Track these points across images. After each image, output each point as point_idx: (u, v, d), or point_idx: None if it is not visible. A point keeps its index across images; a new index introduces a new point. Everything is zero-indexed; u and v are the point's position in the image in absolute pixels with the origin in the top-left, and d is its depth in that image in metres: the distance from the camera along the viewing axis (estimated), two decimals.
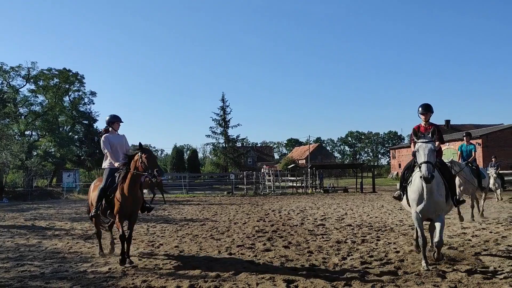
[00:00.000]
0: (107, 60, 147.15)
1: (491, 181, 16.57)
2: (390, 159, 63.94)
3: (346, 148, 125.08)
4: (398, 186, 7.46)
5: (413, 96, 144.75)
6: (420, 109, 6.95)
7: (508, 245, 7.69)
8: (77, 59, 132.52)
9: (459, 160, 11.82)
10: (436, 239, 6.02)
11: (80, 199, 25.27)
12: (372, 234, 9.58)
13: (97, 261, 7.17)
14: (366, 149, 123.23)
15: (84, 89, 48.74)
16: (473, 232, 9.35)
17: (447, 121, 64.91)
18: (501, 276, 5.59)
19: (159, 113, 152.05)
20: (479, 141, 37.21)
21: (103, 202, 6.95)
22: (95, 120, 48.79)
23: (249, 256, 7.40)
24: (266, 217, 13.59)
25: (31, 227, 12.10)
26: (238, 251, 7.86)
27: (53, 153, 45.15)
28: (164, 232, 10.52)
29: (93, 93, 49.11)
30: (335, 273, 6.08)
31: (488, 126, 52.08)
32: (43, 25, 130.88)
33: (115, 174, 6.99)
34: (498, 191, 17.44)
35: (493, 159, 18.04)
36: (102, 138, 7.40)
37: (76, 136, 48.59)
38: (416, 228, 6.67)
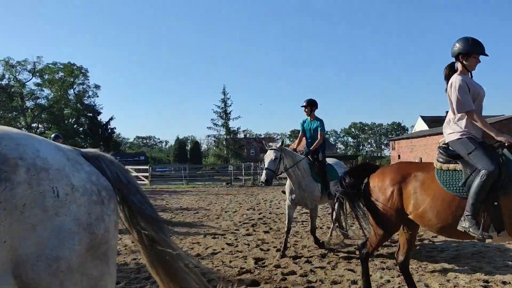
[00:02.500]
0: (111, 53, 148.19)
1: None
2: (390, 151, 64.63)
3: (350, 139, 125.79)
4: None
5: (417, 87, 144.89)
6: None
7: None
8: (82, 52, 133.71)
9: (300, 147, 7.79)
10: None
11: None
12: (348, 220, 10.38)
13: None
14: (369, 140, 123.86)
15: (88, 82, 49.88)
16: None
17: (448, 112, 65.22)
18: (443, 255, 6.43)
19: (163, 105, 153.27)
20: None
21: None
22: (99, 113, 49.91)
23: (230, 239, 8.26)
24: (257, 206, 14.45)
25: None
26: (221, 235, 8.73)
27: None
28: None
29: (97, 86, 50.22)
30: (301, 253, 6.94)
31: (490, 117, 52.49)
32: (49, 20, 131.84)
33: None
34: None
35: None
36: (457, 81, 3.86)
37: (81, 129, 49.75)
38: None
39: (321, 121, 7.28)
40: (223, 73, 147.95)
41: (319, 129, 7.21)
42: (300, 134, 7.71)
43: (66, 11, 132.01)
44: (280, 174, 6.84)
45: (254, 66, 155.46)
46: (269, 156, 6.65)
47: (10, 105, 35.06)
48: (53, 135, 10.74)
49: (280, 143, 6.91)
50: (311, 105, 7.35)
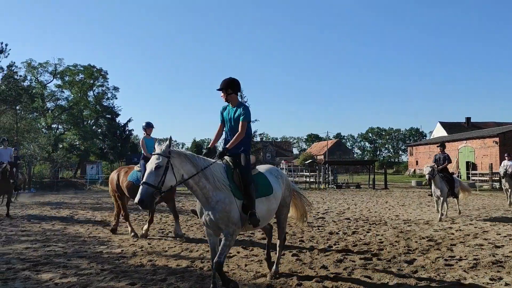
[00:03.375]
0: (129, 56, 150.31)
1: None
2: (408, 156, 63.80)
3: (367, 144, 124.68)
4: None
5: (436, 92, 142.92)
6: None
7: (484, 239, 8.35)
8: (101, 55, 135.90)
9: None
10: None
11: (102, 190, 26.67)
12: (365, 226, 10.31)
13: (112, 244, 8.19)
14: (386, 146, 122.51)
15: (108, 84, 50.41)
16: (459, 227, 9.99)
17: (468, 119, 64.16)
18: (461, 263, 6.31)
19: (180, 107, 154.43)
20: (496, 139, 36.99)
21: None
22: (118, 115, 50.40)
23: (245, 243, 8.27)
24: None
25: (56, 214, 13.28)
26: (237, 239, 8.72)
27: (77, 146, 47.09)
28: None
29: (116, 88, 50.73)
30: (317, 258, 6.89)
31: (511, 124, 51.43)
32: (70, 23, 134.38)
33: None
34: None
35: (506, 157, 15.53)
36: None
37: (99, 130, 50.32)
38: None
39: (245, 107, 5.16)
40: (240, 76, 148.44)
41: (241, 118, 5.08)
42: (219, 127, 5.42)
43: (86, 14, 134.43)
44: (169, 189, 4.49)
45: (271, 70, 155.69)
46: (150, 164, 4.41)
47: (31, 106, 35.78)
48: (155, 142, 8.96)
49: (167, 142, 4.51)
50: (226, 87, 5.19)
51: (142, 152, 9.24)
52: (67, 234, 9.41)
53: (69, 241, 8.48)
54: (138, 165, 9.12)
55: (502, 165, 15.56)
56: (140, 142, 9.47)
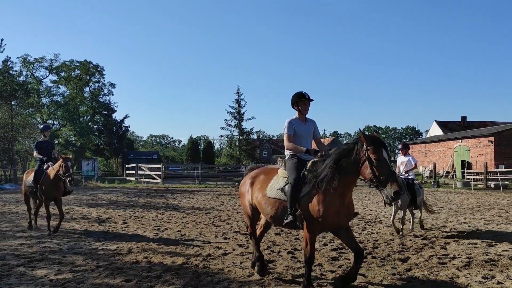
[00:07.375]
0: (126, 52, 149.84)
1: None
2: None
3: None
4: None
5: (432, 91, 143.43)
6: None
7: (477, 237, 8.41)
8: (97, 51, 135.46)
9: None
10: None
11: (98, 186, 26.64)
12: (360, 225, 10.35)
13: (107, 241, 8.19)
14: None
15: (104, 80, 50.32)
16: (453, 225, 10.06)
17: (463, 118, 64.40)
18: (455, 262, 6.36)
19: (177, 105, 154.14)
20: (491, 138, 37.14)
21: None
22: (114, 111, 50.33)
23: (241, 240, 8.29)
24: None
25: (51, 210, 13.22)
26: (232, 236, 8.76)
27: (73, 142, 46.97)
28: (171, 219, 11.50)
29: (112, 85, 50.69)
30: None
31: (505, 124, 51.64)
32: (65, 18, 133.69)
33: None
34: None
35: (400, 152, 10.38)
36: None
37: (95, 126, 50.23)
38: None
39: None
40: (237, 73, 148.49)
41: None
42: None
43: (83, 9, 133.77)
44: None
45: (269, 67, 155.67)
46: None
47: (26, 102, 35.57)
48: None
49: None
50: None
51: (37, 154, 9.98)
52: (62, 230, 9.40)
53: (64, 238, 8.48)
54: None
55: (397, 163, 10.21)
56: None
